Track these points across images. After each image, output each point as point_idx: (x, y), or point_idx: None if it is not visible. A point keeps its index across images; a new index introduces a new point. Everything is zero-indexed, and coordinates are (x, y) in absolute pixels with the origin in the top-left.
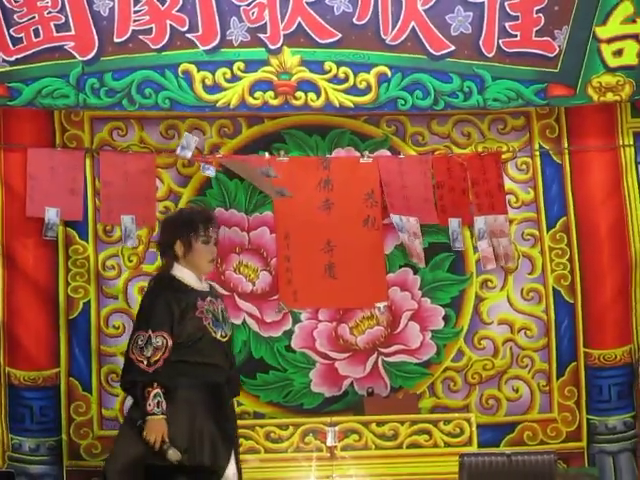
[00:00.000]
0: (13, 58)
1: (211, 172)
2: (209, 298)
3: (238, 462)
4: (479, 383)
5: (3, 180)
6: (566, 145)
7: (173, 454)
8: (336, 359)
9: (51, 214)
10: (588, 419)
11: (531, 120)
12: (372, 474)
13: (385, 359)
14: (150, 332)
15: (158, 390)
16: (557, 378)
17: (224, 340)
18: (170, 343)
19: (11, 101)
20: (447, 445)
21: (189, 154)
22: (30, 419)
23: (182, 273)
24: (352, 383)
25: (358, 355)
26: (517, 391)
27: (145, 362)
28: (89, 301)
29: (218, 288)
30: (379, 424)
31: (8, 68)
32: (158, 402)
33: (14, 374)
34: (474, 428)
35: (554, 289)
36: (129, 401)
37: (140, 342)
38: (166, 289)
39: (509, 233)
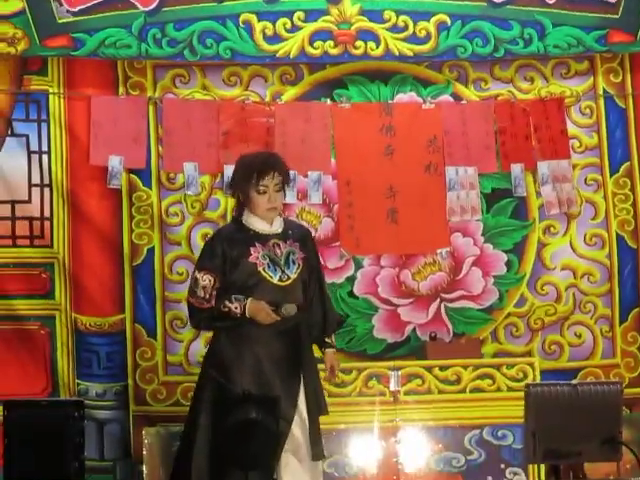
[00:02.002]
0: (77, 9)
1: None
2: (274, 241)
3: (313, 395)
4: (541, 329)
5: (68, 129)
6: (630, 89)
7: (290, 308)
8: (398, 305)
9: (115, 162)
10: None
11: (595, 64)
12: (435, 418)
13: (447, 305)
14: (197, 273)
15: (227, 302)
16: (620, 324)
17: (284, 284)
18: (217, 282)
19: (75, 51)
20: (510, 390)
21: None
22: (97, 364)
23: (249, 217)
24: (414, 329)
25: (420, 301)
26: (580, 337)
27: (200, 300)
28: (153, 248)
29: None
30: (442, 369)
31: (72, 19)
32: (235, 298)
33: (80, 320)
34: (537, 373)
35: (617, 234)
36: None
37: (192, 285)
38: (220, 233)
39: (572, 178)
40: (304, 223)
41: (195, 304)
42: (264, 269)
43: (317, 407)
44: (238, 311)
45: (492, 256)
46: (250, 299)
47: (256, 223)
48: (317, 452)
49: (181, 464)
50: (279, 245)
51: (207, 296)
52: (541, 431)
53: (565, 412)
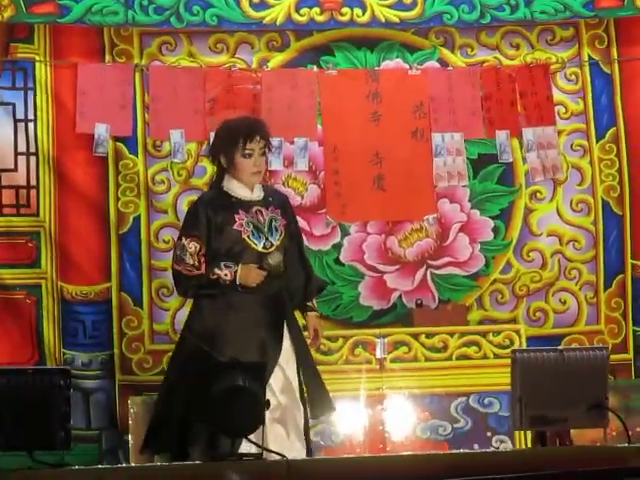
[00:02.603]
0: None
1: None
2: (256, 208)
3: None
4: (527, 295)
5: (54, 97)
6: (615, 55)
7: (274, 257)
8: (385, 272)
9: (101, 130)
10: (634, 331)
11: (580, 31)
12: (421, 386)
13: (434, 272)
14: (183, 240)
15: (216, 269)
16: (604, 290)
17: (268, 251)
18: (202, 248)
19: (61, 18)
20: (496, 357)
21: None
22: (83, 333)
23: (230, 184)
24: (400, 296)
25: (407, 268)
26: (564, 303)
27: (189, 268)
28: (139, 216)
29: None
30: (428, 336)
31: None
32: (225, 265)
33: (66, 289)
34: (524, 340)
35: (603, 200)
36: None
37: (178, 252)
38: (204, 200)
39: (558, 145)
40: (290, 190)
41: (183, 271)
42: (249, 236)
43: (311, 367)
44: (228, 278)
45: (479, 222)
46: (241, 265)
47: (237, 189)
48: (320, 411)
49: (154, 430)
50: (261, 212)
51: (196, 263)
52: (527, 397)
53: (551, 378)
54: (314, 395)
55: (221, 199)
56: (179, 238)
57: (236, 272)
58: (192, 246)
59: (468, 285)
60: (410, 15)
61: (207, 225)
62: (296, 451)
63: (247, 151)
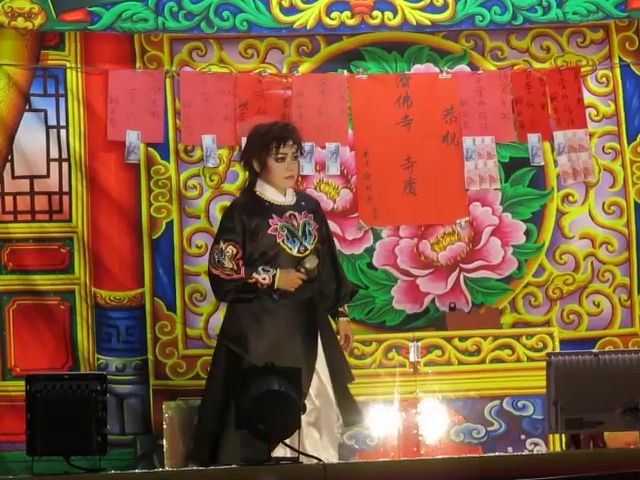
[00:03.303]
0: None
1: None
2: (290, 212)
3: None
4: (560, 298)
5: (85, 103)
6: None
7: (310, 260)
8: (417, 276)
9: (132, 137)
10: None
11: (610, 33)
12: (455, 389)
13: (466, 275)
14: (221, 244)
15: (254, 274)
16: (638, 292)
17: (302, 255)
18: (240, 252)
19: (91, 25)
20: (530, 360)
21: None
22: (117, 339)
23: (263, 188)
24: (433, 300)
25: (439, 271)
26: (598, 306)
27: (228, 272)
28: (172, 221)
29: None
30: (462, 339)
31: None
32: (264, 270)
33: (100, 294)
34: (557, 342)
35: (635, 203)
36: None
37: (216, 256)
38: (238, 205)
39: (589, 147)
40: (322, 194)
41: (222, 275)
42: (283, 241)
43: (342, 374)
44: (266, 282)
45: (511, 225)
46: (279, 270)
47: (270, 194)
48: (350, 419)
49: (201, 438)
50: (295, 216)
51: (235, 267)
52: (563, 400)
53: (586, 381)
54: (343, 403)
55: (255, 204)
56: (216, 242)
57: (274, 276)
58: (230, 250)
59: (501, 288)
60: (441, 17)
61: (242, 229)
62: (329, 455)
63: (280, 155)
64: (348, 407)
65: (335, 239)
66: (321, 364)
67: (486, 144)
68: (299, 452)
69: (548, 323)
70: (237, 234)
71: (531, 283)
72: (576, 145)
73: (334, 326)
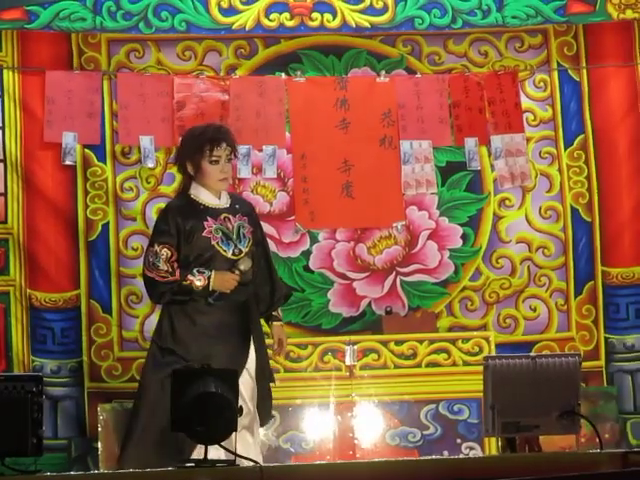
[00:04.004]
0: None
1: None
2: (224, 215)
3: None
4: (496, 302)
5: (22, 104)
6: (584, 62)
7: (244, 262)
8: (354, 279)
9: (69, 139)
10: (606, 338)
11: (549, 38)
12: (391, 393)
13: (403, 279)
14: (156, 247)
15: (189, 276)
16: (575, 297)
17: (237, 258)
18: (175, 254)
19: (28, 24)
20: (466, 364)
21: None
22: (52, 341)
23: (197, 191)
24: (370, 303)
25: (376, 275)
26: (535, 310)
27: (163, 274)
28: (108, 223)
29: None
30: (398, 343)
31: None
32: (199, 272)
33: (35, 296)
34: (493, 346)
35: (572, 207)
36: None
37: (151, 259)
38: (173, 208)
39: (526, 152)
40: (258, 197)
41: (156, 278)
42: (218, 243)
43: (265, 375)
44: (201, 284)
45: (447, 229)
46: (214, 272)
47: (205, 197)
48: (265, 420)
49: (129, 440)
50: (229, 219)
51: (170, 269)
52: (499, 404)
53: (523, 385)
54: (262, 404)
55: (190, 206)
56: (150, 245)
57: (209, 278)
58: (164, 253)
59: (437, 292)
60: (381, 20)
61: (177, 232)
62: (258, 458)
63: (213, 158)
64: (265, 408)
65: (271, 242)
66: (252, 366)
67: (423, 148)
68: (235, 454)
69: (484, 327)
70: (172, 236)
71: (467, 287)
72: (513, 149)
73: (267, 330)
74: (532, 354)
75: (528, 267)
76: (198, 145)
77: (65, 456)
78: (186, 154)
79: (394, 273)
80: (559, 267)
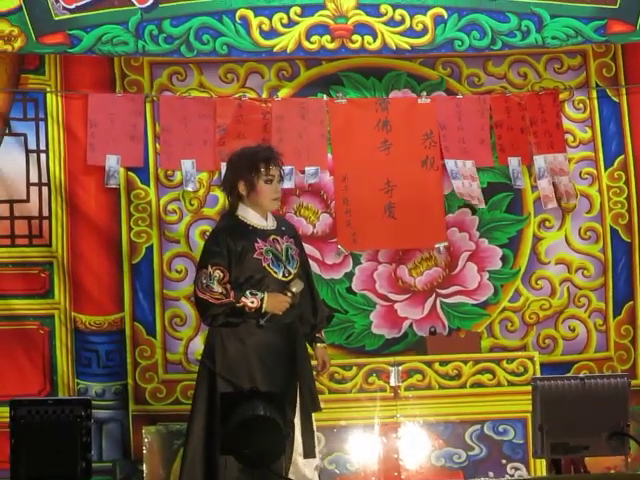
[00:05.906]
0: (73, 6)
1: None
2: (273, 237)
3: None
4: (536, 323)
5: (65, 127)
6: (623, 83)
7: (296, 284)
8: (395, 301)
9: (112, 162)
10: None
11: (588, 59)
12: (436, 413)
13: (443, 300)
14: (209, 269)
15: (242, 298)
16: (613, 317)
17: (287, 279)
18: (227, 275)
19: (71, 48)
20: (510, 384)
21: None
22: (96, 363)
23: (245, 212)
24: (411, 324)
25: (417, 296)
26: (574, 330)
27: (217, 296)
28: (151, 246)
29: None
30: (442, 363)
31: (68, 16)
32: (251, 293)
33: (80, 319)
34: (537, 367)
35: (611, 228)
36: None
37: (204, 280)
38: (223, 229)
39: (569, 171)
40: (301, 219)
41: (210, 300)
42: (269, 265)
43: (311, 404)
44: (254, 305)
45: (487, 251)
46: (267, 293)
47: (252, 218)
48: (309, 450)
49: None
50: (278, 241)
51: (224, 291)
52: (548, 425)
53: (572, 406)
54: (306, 435)
55: (238, 227)
56: (203, 267)
57: (262, 299)
58: (217, 274)
59: (477, 313)
60: (421, 42)
61: (228, 253)
62: None
63: (269, 177)
64: (306, 437)
65: (314, 263)
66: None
67: (467, 167)
68: (285, 479)
69: (524, 348)
70: (224, 257)
71: (507, 308)
72: (557, 169)
73: (311, 351)
74: (581, 375)
75: (568, 288)
76: (253, 164)
77: (111, 479)
78: (239, 173)
79: (434, 295)
80: (598, 288)
